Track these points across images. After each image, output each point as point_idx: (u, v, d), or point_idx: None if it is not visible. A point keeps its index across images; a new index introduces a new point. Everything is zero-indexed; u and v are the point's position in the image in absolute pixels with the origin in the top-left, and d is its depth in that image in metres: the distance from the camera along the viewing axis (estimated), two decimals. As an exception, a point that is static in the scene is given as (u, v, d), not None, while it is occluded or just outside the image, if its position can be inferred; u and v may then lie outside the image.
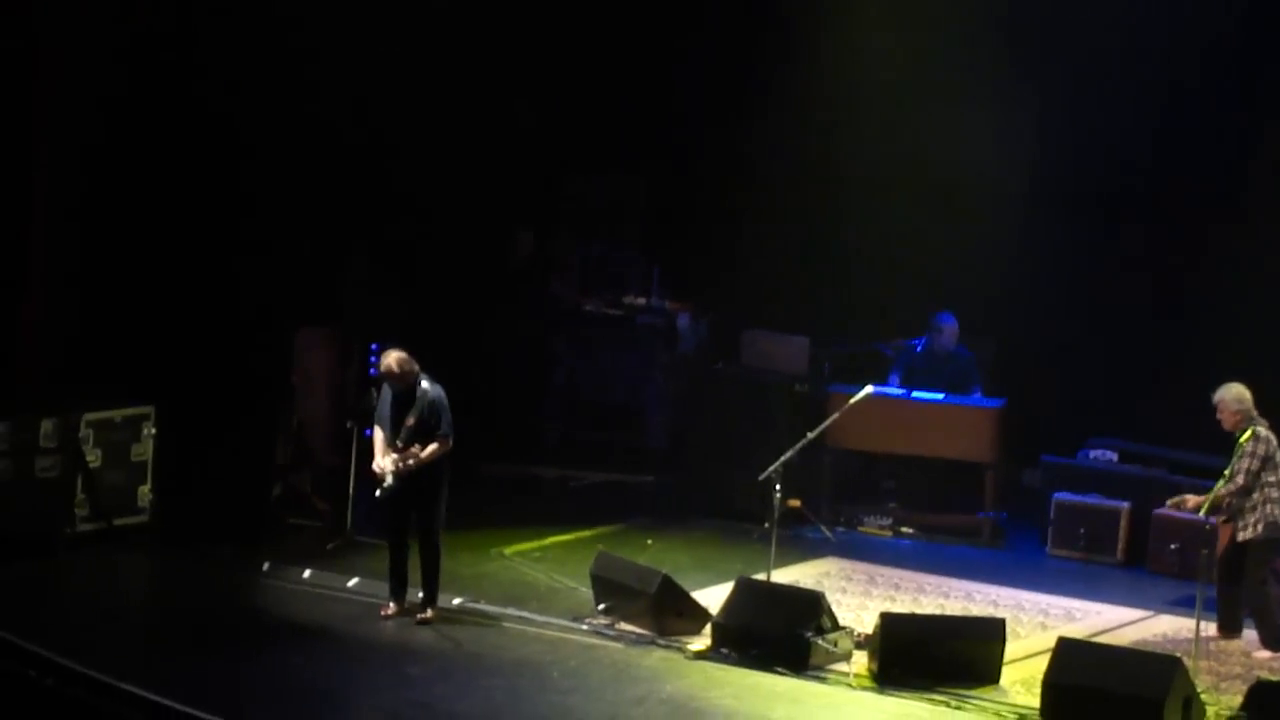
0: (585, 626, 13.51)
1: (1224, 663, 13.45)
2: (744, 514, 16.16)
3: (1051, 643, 12.54)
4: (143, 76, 15.46)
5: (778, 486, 13.98)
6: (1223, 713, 12.17)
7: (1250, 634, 13.83)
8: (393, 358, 13.37)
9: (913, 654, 12.70)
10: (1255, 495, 13.68)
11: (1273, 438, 13.74)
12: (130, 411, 15.18)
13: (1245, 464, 13.68)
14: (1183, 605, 14.35)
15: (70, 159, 15.43)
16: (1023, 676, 12.81)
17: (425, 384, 13.41)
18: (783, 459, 14.06)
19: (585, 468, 18.15)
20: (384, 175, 17.20)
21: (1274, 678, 12.51)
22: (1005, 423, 16.80)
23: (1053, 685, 12.09)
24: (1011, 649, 13.04)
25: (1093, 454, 16.82)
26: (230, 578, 14.29)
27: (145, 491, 15.28)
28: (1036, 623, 14.32)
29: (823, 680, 12.66)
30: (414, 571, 13.57)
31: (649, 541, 15.95)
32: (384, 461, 13.37)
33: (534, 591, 14.39)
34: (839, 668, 12.75)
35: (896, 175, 17.62)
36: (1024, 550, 16.61)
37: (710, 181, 18.66)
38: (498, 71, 17.65)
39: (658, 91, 18.55)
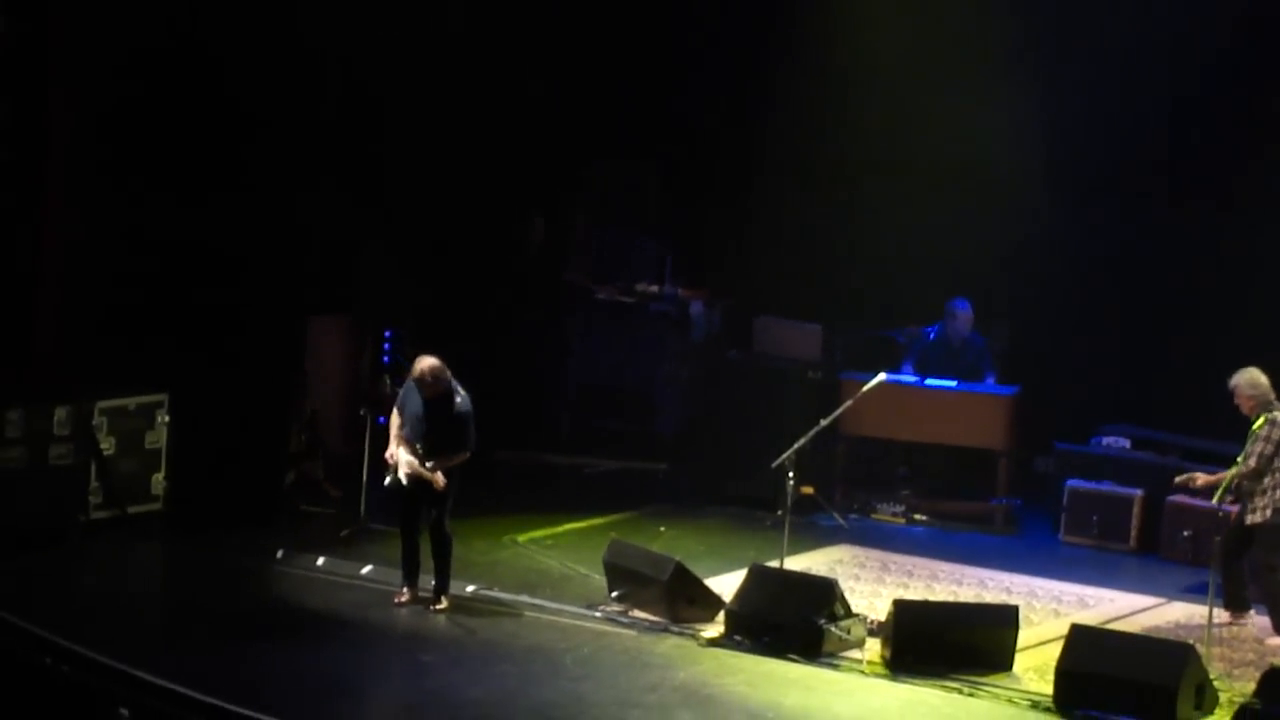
0: (598, 614, 13.52)
1: (1237, 649, 13.45)
2: (757, 501, 16.17)
3: (1064, 630, 12.55)
4: (157, 66, 15.45)
5: (791, 474, 13.96)
6: (1235, 699, 12.12)
7: (1263, 621, 13.81)
8: (425, 365, 13.24)
9: (926, 641, 12.69)
10: (1266, 480, 13.66)
11: (1288, 424, 13.73)
12: (144, 399, 15.20)
13: (1259, 448, 13.66)
14: (1195, 592, 14.34)
15: (84, 146, 15.44)
16: (1036, 663, 12.81)
17: (458, 397, 13.32)
18: (796, 446, 14.03)
19: (598, 455, 18.11)
20: (397, 162, 17.21)
21: (1288, 665, 12.50)
22: (1018, 410, 16.80)
23: (1066, 672, 12.10)
24: (1024, 636, 13.02)
25: (1106, 441, 16.78)
26: (244, 565, 14.28)
27: (159, 479, 15.29)
28: (1049, 610, 14.31)
29: (835, 667, 12.67)
30: (426, 559, 13.57)
31: (662, 529, 15.96)
32: (398, 451, 13.35)
33: (547, 579, 14.39)
34: (852, 655, 12.75)
35: (911, 162, 17.57)
36: (1037, 537, 16.58)
37: (724, 168, 18.63)
38: (512, 59, 17.63)
39: (672, 77, 18.51)
